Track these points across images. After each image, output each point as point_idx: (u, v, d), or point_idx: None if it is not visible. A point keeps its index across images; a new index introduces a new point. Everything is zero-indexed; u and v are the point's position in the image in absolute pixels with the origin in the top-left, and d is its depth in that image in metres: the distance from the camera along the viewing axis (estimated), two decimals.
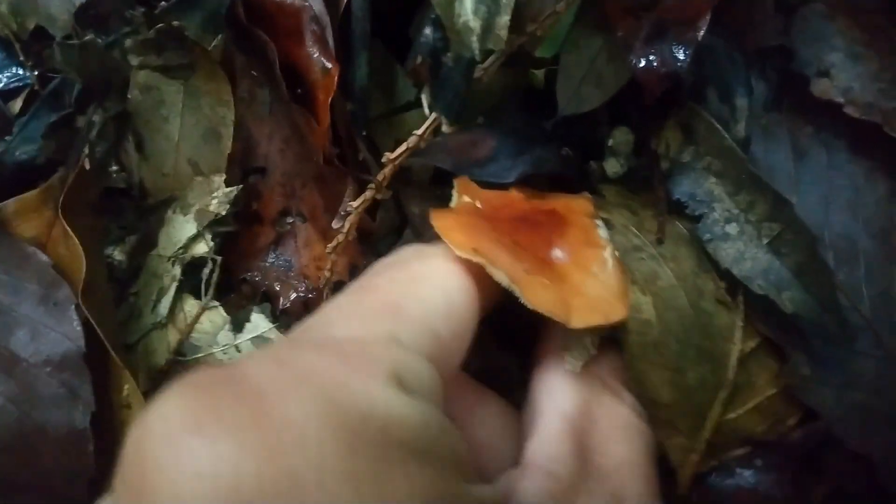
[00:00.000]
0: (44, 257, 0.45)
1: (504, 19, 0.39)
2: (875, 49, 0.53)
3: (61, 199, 0.46)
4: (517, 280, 0.32)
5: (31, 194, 0.49)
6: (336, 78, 0.45)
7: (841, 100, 0.52)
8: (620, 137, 0.52)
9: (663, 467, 0.42)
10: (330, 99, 0.45)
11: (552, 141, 0.53)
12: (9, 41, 0.58)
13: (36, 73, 0.56)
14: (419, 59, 0.40)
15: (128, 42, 0.44)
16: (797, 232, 0.46)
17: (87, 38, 0.46)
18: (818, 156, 0.53)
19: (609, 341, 0.41)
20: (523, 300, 0.32)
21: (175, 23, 0.44)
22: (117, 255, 0.53)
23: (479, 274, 0.33)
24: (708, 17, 0.48)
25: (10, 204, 0.49)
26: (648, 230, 0.48)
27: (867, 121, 0.51)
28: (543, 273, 0.34)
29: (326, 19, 0.46)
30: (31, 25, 0.56)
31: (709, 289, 0.47)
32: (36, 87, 0.57)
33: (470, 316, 0.32)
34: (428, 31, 0.40)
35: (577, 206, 0.40)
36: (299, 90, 0.49)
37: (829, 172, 0.53)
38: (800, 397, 0.46)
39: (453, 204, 0.38)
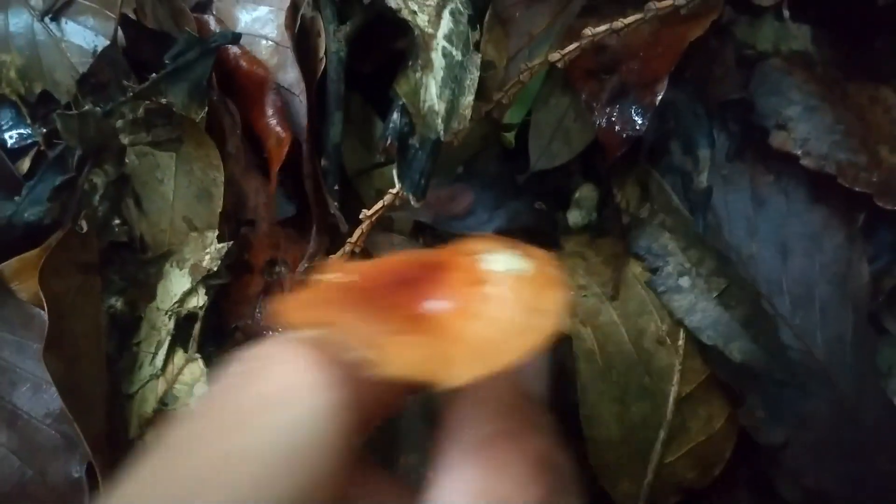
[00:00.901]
0: (45, 318, 0.49)
1: (468, 99, 0.42)
2: (829, 101, 0.56)
3: (41, 263, 0.49)
4: (375, 344, 0.26)
5: (31, 254, 0.53)
6: (286, 148, 0.48)
7: (798, 152, 0.54)
8: (585, 193, 0.55)
9: None
10: (278, 166, 0.49)
11: (525, 194, 0.57)
12: (16, 103, 0.62)
13: (42, 134, 0.60)
14: (388, 142, 0.43)
15: (119, 121, 0.48)
16: (742, 287, 0.49)
17: (86, 107, 0.50)
18: (778, 203, 0.56)
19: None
20: (382, 371, 0.25)
21: (163, 100, 0.48)
22: (119, 305, 0.57)
23: (348, 374, 0.27)
24: (665, 82, 0.51)
25: (12, 263, 0.53)
26: (595, 273, 0.51)
27: (823, 172, 0.54)
28: (417, 331, 0.28)
29: (302, 87, 0.49)
30: (37, 90, 0.60)
31: (650, 329, 0.50)
32: (43, 148, 0.60)
33: (331, 437, 0.26)
34: (396, 116, 0.43)
35: (464, 248, 0.33)
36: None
37: (788, 219, 0.56)
38: (755, 438, 0.50)
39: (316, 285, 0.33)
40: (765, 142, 0.56)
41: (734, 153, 0.57)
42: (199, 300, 0.53)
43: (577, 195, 0.55)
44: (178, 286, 0.54)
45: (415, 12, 0.42)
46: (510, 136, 0.53)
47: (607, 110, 0.52)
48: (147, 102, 0.47)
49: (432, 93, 0.41)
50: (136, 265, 0.60)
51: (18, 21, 0.62)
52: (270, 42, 0.52)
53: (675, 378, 0.47)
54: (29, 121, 0.61)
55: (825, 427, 0.51)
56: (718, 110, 0.58)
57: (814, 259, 0.55)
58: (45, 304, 0.46)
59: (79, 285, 0.49)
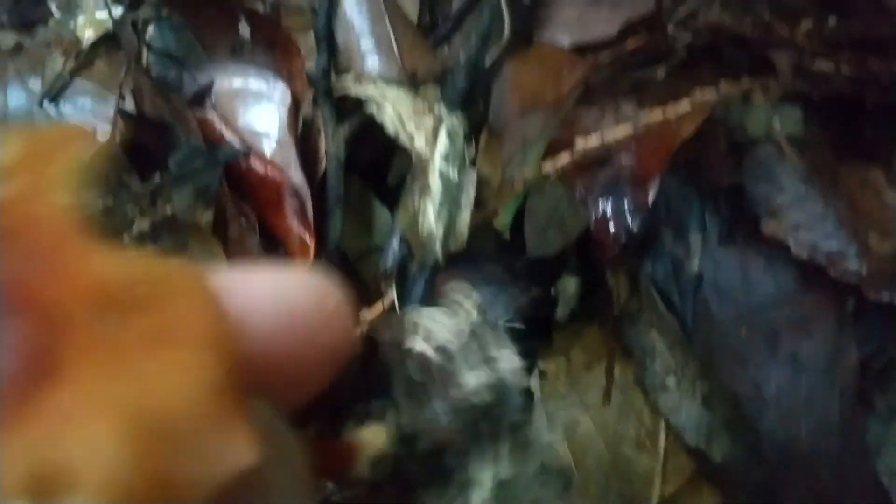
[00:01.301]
0: None
1: (465, 217, 0.44)
2: (819, 188, 0.57)
3: None
4: None
5: None
6: (312, 249, 0.49)
7: (789, 241, 0.56)
8: (564, 286, 0.56)
9: None
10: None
11: (522, 281, 0.58)
12: None
13: None
14: (387, 269, 0.44)
15: (124, 235, 0.49)
16: (725, 392, 0.51)
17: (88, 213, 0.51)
18: (767, 289, 0.58)
19: None
20: None
21: (167, 211, 0.49)
22: None
23: None
24: (658, 181, 0.52)
25: None
26: (577, 381, 0.53)
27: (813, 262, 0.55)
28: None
29: (306, 191, 0.51)
30: None
31: (629, 434, 0.52)
32: None
33: None
34: (395, 242, 0.44)
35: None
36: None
37: (778, 305, 0.57)
38: None
39: None
40: (755, 227, 0.57)
41: (725, 238, 0.59)
42: None
43: (558, 288, 0.56)
44: None
45: (412, 136, 0.43)
46: (505, 231, 0.54)
47: (600, 204, 0.53)
48: (150, 215, 0.48)
49: (430, 217, 0.43)
50: None
51: (17, 102, 0.63)
52: (272, 140, 0.53)
53: (657, 482, 0.49)
54: None
55: None
56: (710, 195, 0.59)
57: (801, 344, 0.57)
58: None
59: None
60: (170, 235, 0.50)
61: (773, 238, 0.56)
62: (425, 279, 0.43)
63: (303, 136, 0.54)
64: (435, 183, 0.43)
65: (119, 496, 0.12)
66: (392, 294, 0.44)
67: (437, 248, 0.43)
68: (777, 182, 0.57)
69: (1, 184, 0.14)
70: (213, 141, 0.53)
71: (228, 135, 0.53)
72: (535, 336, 0.58)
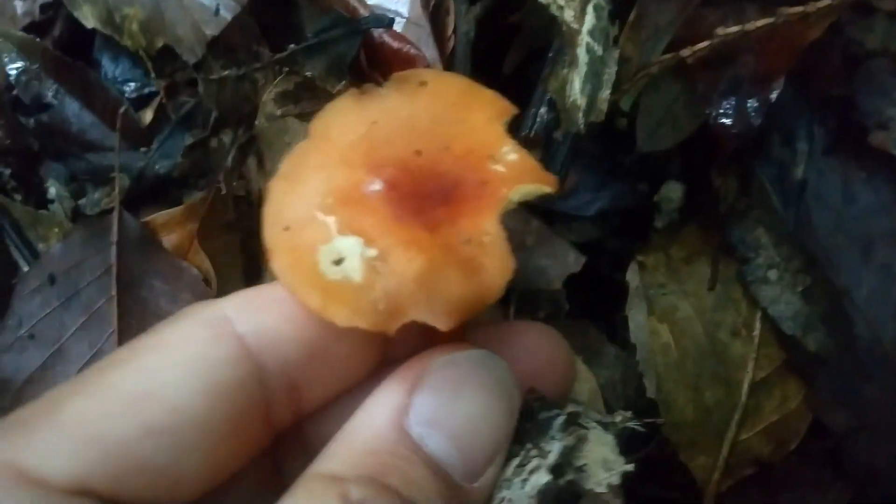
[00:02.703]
0: (195, 271, 0.54)
1: (606, 93, 0.45)
2: None
3: (198, 226, 0.54)
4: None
5: (176, 210, 0.57)
6: None
7: None
8: (667, 193, 0.58)
9: (688, 490, 0.52)
10: None
11: (627, 175, 0.60)
12: (136, 55, 0.64)
13: (164, 87, 0.63)
14: (532, 133, 0.46)
15: (272, 92, 0.51)
16: (826, 286, 0.53)
17: (226, 73, 0.53)
18: (867, 200, 0.60)
19: None
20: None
21: (308, 74, 0.50)
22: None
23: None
24: (782, 80, 0.53)
25: (158, 218, 0.57)
26: (675, 271, 0.56)
27: None
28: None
29: (440, 67, 0.52)
30: (159, 44, 0.63)
31: (726, 322, 0.55)
32: (164, 101, 0.63)
33: (221, 385, 0.29)
34: (543, 110, 0.46)
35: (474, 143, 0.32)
36: None
37: (876, 216, 0.59)
38: (821, 418, 0.55)
39: None
40: (861, 139, 0.59)
41: (830, 147, 0.60)
42: None
43: (660, 194, 0.58)
44: None
45: (562, 7, 0.44)
46: (624, 121, 0.55)
47: (721, 103, 0.54)
48: (295, 76, 0.50)
49: (576, 88, 0.44)
50: (256, 220, 0.64)
51: None
52: (402, 18, 0.54)
53: (750, 366, 0.53)
54: (152, 74, 0.63)
55: (888, 412, 0.56)
56: (820, 105, 0.60)
57: (895, 256, 0.59)
58: (205, 265, 0.50)
59: (224, 242, 0.54)
60: (309, 99, 0.52)
61: (880, 149, 0.58)
62: (567, 146, 0.45)
63: (433, 19, 0.55)
64: (582, 56, 0.45)
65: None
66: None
67: (580, 118, 0.45)
68: (889, 95, 0.59)
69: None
70: (346, 13, 0.54)
71: (360, 9, 0.54)
72: (634, 233, 0.61)
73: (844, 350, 0.55)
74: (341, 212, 0.29)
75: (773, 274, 0.55)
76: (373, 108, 0.33)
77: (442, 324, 0.27)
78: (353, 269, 0.27)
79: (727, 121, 0.54)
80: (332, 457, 0.28)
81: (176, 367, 0.28)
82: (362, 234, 0.28)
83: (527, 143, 0.48)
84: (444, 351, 0.30)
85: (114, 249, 0.53)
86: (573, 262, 0.62)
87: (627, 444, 0.61)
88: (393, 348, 0.34)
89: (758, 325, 0.56)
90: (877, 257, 0.59)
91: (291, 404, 0.32)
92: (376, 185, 0.29)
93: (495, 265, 0.28)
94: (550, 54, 0.47)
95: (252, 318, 0.31)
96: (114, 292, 0.52)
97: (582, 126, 0.45)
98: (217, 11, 0.61)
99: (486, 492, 0.29)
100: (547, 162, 0.46)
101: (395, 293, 0.27)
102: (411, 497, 0.27)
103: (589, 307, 0.68)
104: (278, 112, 0.52)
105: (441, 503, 0.27)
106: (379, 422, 0.28)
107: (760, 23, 0.48)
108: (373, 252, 0.27)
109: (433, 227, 0.28)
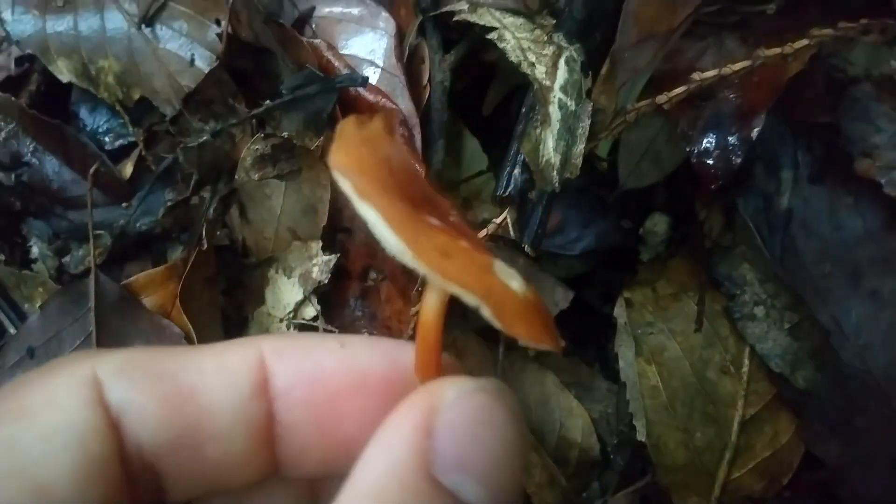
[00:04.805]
0: (177, 330, 0.55)
1: (580, 148, 0.46)
2: None
3: (180, 284, 0.54)
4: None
5: (157, 270, 0.58)
6: (424, 176, 0.52)
7: (882, 180, 0.57)
8: (652, 226, 0.59)
9: None
10: None
11: (612, 212, 0.60)
12: (114, 108, 0.64)
13: (143, 139, 0.63)
14: (507, 193, 0.46)
15: (248, 159, 0.51)
16: (814, 324, 0.53)
17: (204, 137, 0.53)
18: (854, 226, 0.60)
19: None
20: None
21: (283, 134, 0.51)
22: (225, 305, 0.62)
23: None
24: (763, 117, 0.53)
25: (140, 278, 0.58)
26: (663, 308, 0.57)
27: None
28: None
29: (415, 119, 0.52)
30: (136, 96, 0.63)
31: (714, 360, 0.56)
32: (143, 152, 0.64)
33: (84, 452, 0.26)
34: (516, 171, 0.46)
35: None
36: None
37: (863, 242, 0.59)
38: (812, 450, 0.56)
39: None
40: (847, 165, 0.59)
41: (816, 175, 0.60)
42: (312, 311, 0.58)
43: (645, 227, 0.59)
44: (288, 295, 0.60)
45: (533, 64, 0.45)
46: (604, 164, 0.56)
47: (702, 140, 0.55)
48: (272, 138, 0.50)
49: (549, 146, 0.45)
50: (239, 268, 0.64)
51: (114, 26, 0.64)
52: (378, 68, 0.54)
53: (740, 403, 0.53)
54: (130, 127, 0.63)
55: (879, 441, 0.57)
56: (804, 133, 0.60)
57: (884, 282, 0.59)
58: (186, 324, 0.51)
59: (206, 298, 0.54)
60: (287, 159, 0.52)
61: (865, 177, 0.58)
62: (543, 206, 0.45)
63: (406, 65, 0.55)
64: (554, 113, 0.45)
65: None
66: (508, 218, 0.46)
67: (555, 176, 0.45)
68: (874, 122, 0.59)
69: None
70: (320, 67, 0.54)
71: (335, 61, 0.54)
72: (622, 265, 0.61)
73: (834, 384, 0.55)
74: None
75: (759, 311, 0.56)
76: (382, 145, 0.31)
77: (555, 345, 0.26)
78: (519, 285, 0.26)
79: (708, 159, 0.54)
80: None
81: (43, 440, 0.26)
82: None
83: (501, 204, 0.49)
84: (449, 381, 0.28)
85: (92, 316, 0.53)
86: (561, 298, 0.63)
87: (623, 476, 0.62)
88: (285, 459, 0.31)
89: (746, 361, 0.56)
90: (865, 284, 0.60)
91: (151, 490, 0.29)
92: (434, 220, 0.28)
93: None
94: (524, 110, 0.47)
95: (123, 388, 0.28)
96: None
97: (556, 184, 0.45)
98: (192, 62, 0.62)
99: None
100: (523, 225, 0.46)
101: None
102: None
103: (580, 340, 0.69)
104: (256, 177, 0.52)
105: None
106: (403, 469, 0.26)
107: (738, 66, 0.48)
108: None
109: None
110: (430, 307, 0.28)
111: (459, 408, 0.27)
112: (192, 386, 0.29)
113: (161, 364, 0.29)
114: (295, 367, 0.31)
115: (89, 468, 0.26)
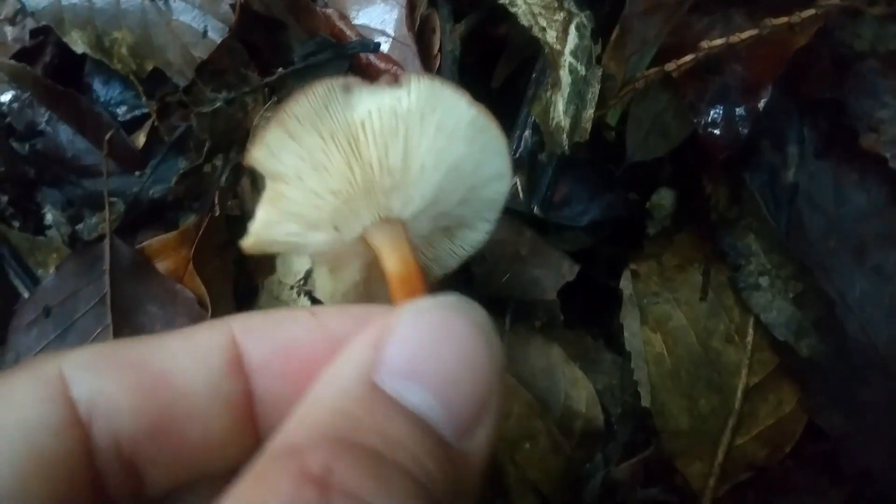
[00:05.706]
0: (189, 294, 0.56)
1: (589, 112, 0.46)
2: None
3: (193, 249, 0.55)
4: None
5: (170, 235, 0.59)
6: None
7: (887, 155, 0.58)
8: (658, 200, 0.59)
9: (687, 493, 0.53)
10: None
11: (619, 185, 0.61)
12: (126, 78, 0.65)
13: (156, 109, 0.64)
14: (517, 156, 0.47)
15: (254, 108, 0.52)
16: (818, 293, 0.54)
17: (218, 104, 0.54)
18: (859, 201, 0.60)
19: None
20: None
21: None
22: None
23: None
24: (770, 89, 0.54)
25: (153, 243, 0.59)
26: (668, 280, 0.57)
27: None
28: None
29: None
30: (149, 67, 0.64)
31: (719, 329, 0.56)
32: (156, 123, 0.65)
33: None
34: (527, 133, 0.47)
35: None
36: None
37: (868, 217, 0.60)
38: (815, 421, 0.56)
39: None
40: (852, 141, 0.59)
41: (821, 151, 0.61)
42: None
43: (651, 201, 0.59)
44: (297, 264, 0.60)
45: (544, 29, 0.45)
46: (612, 134, 0.56)
47: (710, 112, 0.55)
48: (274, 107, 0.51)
49: (559, 109, 0.45)
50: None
51: None
52: (388, 38, 0.55)
53: (744, 372, 0.54)
54: (143, 98, 0.64)
55: (882, 414, 0.58)
56: (810, 108, 0.60)
57: (888, 257, 0.60)
58: (200, 288, 0.52)
59: (218, 265, 0.55)
60: None
61: (870, 152, 0.59)
62: (553, 168, 0.46)
63: (418, 38, 0.56)
64: (565, 77, 0.45)
65: None
66: (518, 183, 0.47)
67: (564, 140, 0.46)
68: (880, 98, 0.59)
69: None
70: (332, 36, 0.55)
71: (346, 30, 0.55)
72: (627, 240, 0.62)
73: (838, 354, 0.56)
74: None
75: (764, 280, 0.56)
76: None
77: None
78: None
79: (715, 130, 0.55)
80: (290, 426, 0.25)
81: None
82: None
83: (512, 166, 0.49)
84: (410, 302, 0.28)
85: (107, 278, 0.54)
86: (567, 271, 0.64)
87: (627, 447, 0.63)
88: (267, 435, 0.28)
89: (751, 330, 0.57)
90: (869, 259, 0.60)
91: (129, 483, 0.29)
92: None
93: None
94: (534, 75, 0.48)
95: (91, 381, 0.28)
96: (109, 321, 0.54)
97: (566, 147, 0.46)
98: (205, 33, 0.63)
99: (481, 458, 0.26)
100: (532, 185, 0.47)
101: None
102: (396, 458, 0.24)
103: (585, 313, 0.69)
104: None
105: (433, 464, 0.24)
106: (344, 381, 0.26)
107: (745, 35, 0.49)
108: None
109: None
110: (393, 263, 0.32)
111: (414, 323, 0.27)
112: (162, 371, 0.29)
113: (128, 353, 0.29)
114: (267, 341, 0.31)
115: (38, 464, 0.26)
